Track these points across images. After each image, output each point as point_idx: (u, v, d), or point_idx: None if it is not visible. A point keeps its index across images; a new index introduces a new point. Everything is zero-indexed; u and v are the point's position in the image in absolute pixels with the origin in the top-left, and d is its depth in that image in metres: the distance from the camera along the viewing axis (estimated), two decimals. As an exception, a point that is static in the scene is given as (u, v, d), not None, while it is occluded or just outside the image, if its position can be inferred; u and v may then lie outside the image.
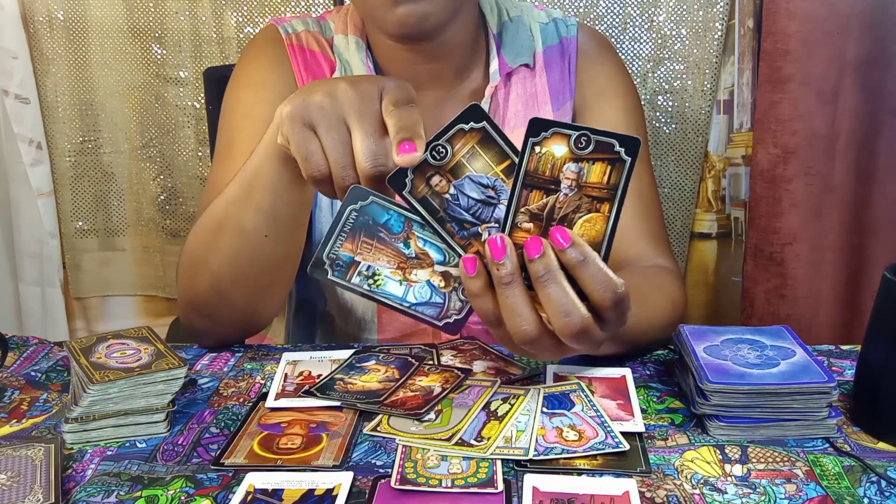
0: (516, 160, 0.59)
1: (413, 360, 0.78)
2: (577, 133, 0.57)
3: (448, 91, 0.95)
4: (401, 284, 0.64)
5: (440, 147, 0.60)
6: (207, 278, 0.79)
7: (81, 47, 1.56)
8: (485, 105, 0.94)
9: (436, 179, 0.60)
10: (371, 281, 0.64)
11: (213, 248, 0.77)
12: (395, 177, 0.60)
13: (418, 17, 0.81)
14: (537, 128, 0.57)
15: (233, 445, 0.66)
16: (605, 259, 0.58)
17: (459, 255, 0.61)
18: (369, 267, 0.64)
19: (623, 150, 0.57)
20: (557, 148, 0.58)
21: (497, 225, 0.60)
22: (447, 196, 0.61)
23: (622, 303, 0.58)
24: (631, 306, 0.60)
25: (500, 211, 0.60)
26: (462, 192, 0.60)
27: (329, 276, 0.64)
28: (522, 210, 0.59)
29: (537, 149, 0.58)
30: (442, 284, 0.64)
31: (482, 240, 0.60)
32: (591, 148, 0.57)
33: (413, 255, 0.64)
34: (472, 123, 0.59)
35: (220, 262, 0.77)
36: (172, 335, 1.67)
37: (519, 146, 0.59)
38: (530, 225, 0.59)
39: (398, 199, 0.62)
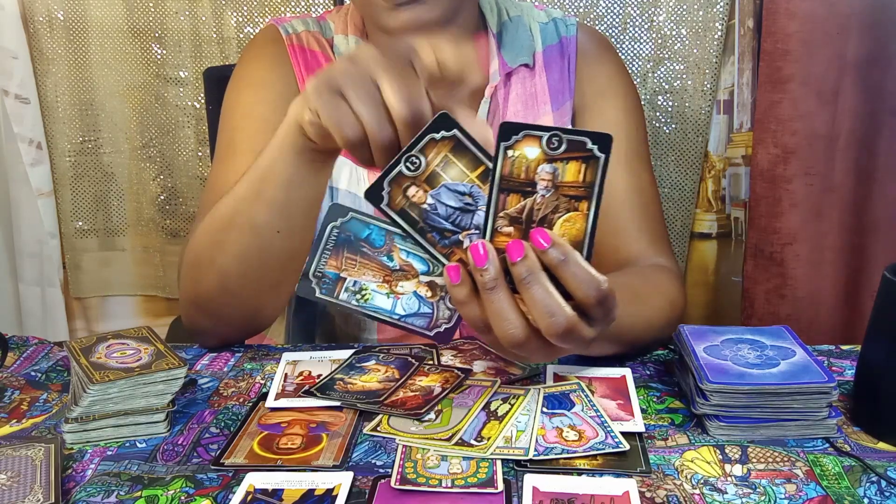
0: (490, 166, 0.59)
1: (413, 360, 0.78)
2: (549, 134, 0.57)
3: (448, 91, 0.95)
4: (388, 297, 0.64)
5: (413, 158, 0.60)
6: (214, 277, 0.79)
7: (81, 47, 1.56)
8: (485, 105, 0.94)
9: (412, 190, 0.60)
10: (359, 296, 0.64)
11: (220, 246, 0.77)
12: (372, 191, 0.60)
13: (420, 23, 0.81)
14: (508, 132, 0.57)
15: (233, 445, 0.66)
16: (589, 256, 0.58)
17: (443, 265, 0.61)
18: (356, 282, 0.64)
19: (596, 147, 0.57)
20: (530, 150, 0.58)
21: (478, 231, 0.60)
22: (425, 206, 0.61)
23: (606, 300, 0.58)
24: (627, 305, 0.60)
25: (480, 217, 0.60)
26: (439, 201, 0.60)
27: (317, 294, 0.64)
28: (501, 214, 0.59)
29: (510, 152, 0.58)
30: (429, 294, 0.64)
31: (464, 247, 0.60)
32: (563, 148, 0.57)
33: (397, 268, 0.64)
34: (442, 132, 0.59)
35: (228, 260, 0.77)
36: (172, 335, 1.67)
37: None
38: (510, 229, 0.59)
39: (378, 212, 0.62)
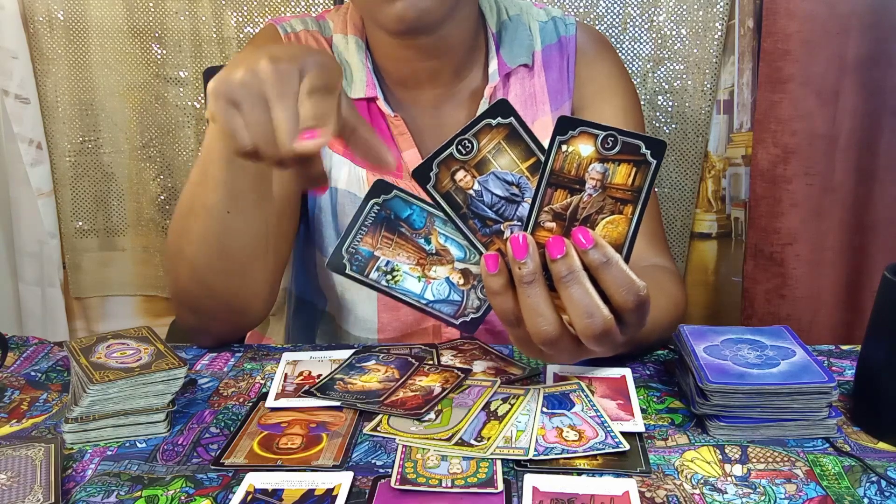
0: (542, 158, 0.58)
1: (413, 360, 0.78)
2: (605, 133, 0.57)
3: (447, 90, 0.95)
4: (419, 281, 0.64)
5: (466, 141, 0.59)
6: (185, 268, 0.79)
7: (81, 47, 1.56)
8: (483, 106, 0.94)
9: (460, 174, 0.60)
10: (389, 277, 0.64)
11: (185, 235, 0.78)
12: (420, 170, 0.60)
13: (417, 12, 0.81)
14: (565, 126, 0.57)
15: (233, 445, 0.66)
16: (626, 261, 0.58)
17: (481, 253, 0.60)
18: (388, 262, 0.63)
19: (649, 152, 0.57)
20: (584, 147, 0.57)
21: (520, 223, 0.60)
22: (471, 192, 0.60)
23: (643, 305, 0.58)
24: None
25: (524, 209, 0.60)
26: (486, 189, 0.60)
27: (347, 271, 0.63)
28: (546, 209, 0.58)
29: (564, 147, 0.57)
30: (461, 282, 0.64)
31: (504, 238, 0.60)
32: (617, 149, 0.57)
33: (433, 252, 0.63)
34: (499, 119, 0.59)
35: (193, 249, 0.78)
36: (172, 335, 1.66)
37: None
38: (553, 224, 0.58)
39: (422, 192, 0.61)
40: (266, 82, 0.60)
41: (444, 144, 0.59)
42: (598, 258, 0.57)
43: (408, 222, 0.63)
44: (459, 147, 0.59)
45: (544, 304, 0.58)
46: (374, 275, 0.63)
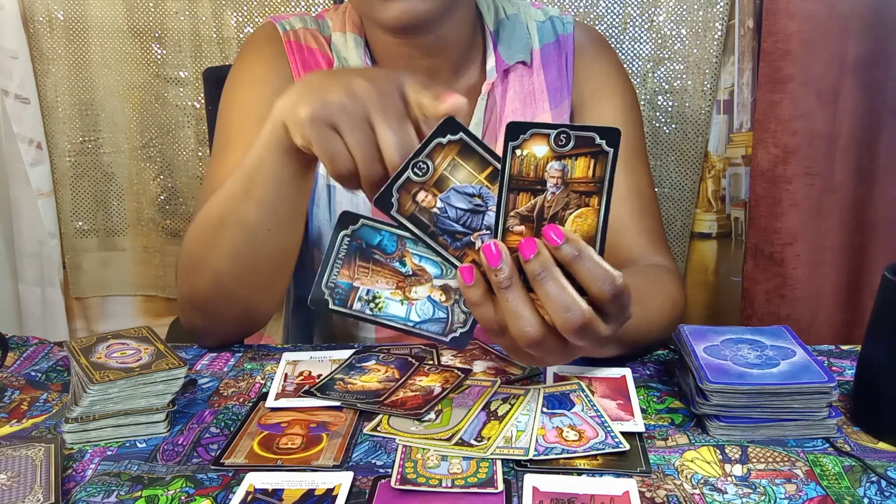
0: (498, 166, 0.59)
1: (413, 360, 0.78)
2: (556, 131, 0.57)
3: (445, 87, 0.95)
4: (402, 304, 0.64)
5: (420, 163, 0.60)
6: (209, 276, 0.79)
7: (81, 47, 1.56)
8: (481, 102, 0.94)
9: (421, 195, 0.60)
10: (372, 305, 0.64)
11: (213, 245, 0.77)
12: (381, 198, 0.60)
13: (414, 14, 0.82)
14: (515, 131, 0.57)
15: (233, 445, 0.66)
16: (601, 252, 0.58)
17: (456, 267, 0.61)
18: (369, 291, 0.64)
19: (604, 141, 0.57)
20: (538, 148, 0.57)
21: (489, 232, 0.60)
22: (435, 210, 0.61)
23: (621, 295, 0.58)
24: (632, 304, 0.60)
25: (490, 217, 0.60)
26: (449, 204, 0.60)
27: (330, 307, 0.64)
28: (512, 214, 0.59)
29: (518, 152, 0.58)
30: (443, 299, 0.64)
31: (476, 248, 0.60)
32: (571, 144, 0.57)
33: (410, 273, 0.64)
34: (448, 136, 0.59)
35: (221, 260, 0.77)
36: (172, 335, 1.67)
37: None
38: (522, 227, 0.59)
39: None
40: (368, 102, 0.61)
41: (399, 170, 0.60)
42: (570, 252, 0.57)
43: (380, 248, 0.64)
44: (415, 170, 0.60)
45: (524, 305, 0.58)
46: (357, 305, 0.64)
